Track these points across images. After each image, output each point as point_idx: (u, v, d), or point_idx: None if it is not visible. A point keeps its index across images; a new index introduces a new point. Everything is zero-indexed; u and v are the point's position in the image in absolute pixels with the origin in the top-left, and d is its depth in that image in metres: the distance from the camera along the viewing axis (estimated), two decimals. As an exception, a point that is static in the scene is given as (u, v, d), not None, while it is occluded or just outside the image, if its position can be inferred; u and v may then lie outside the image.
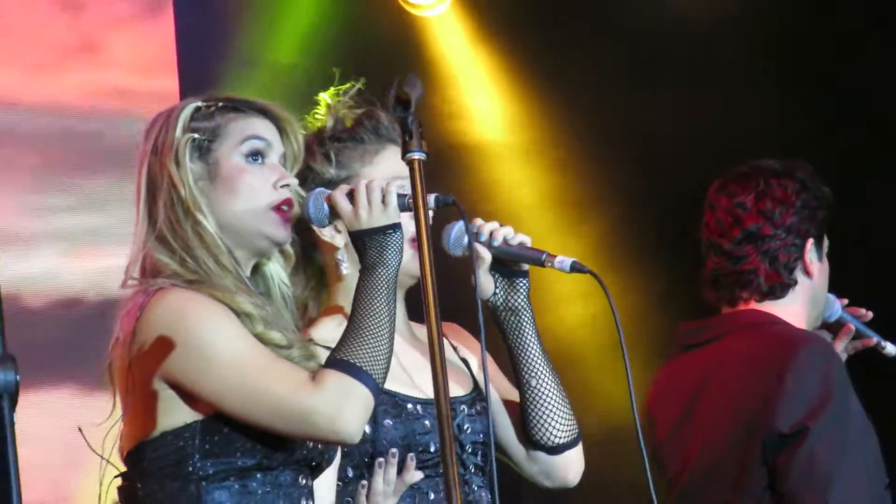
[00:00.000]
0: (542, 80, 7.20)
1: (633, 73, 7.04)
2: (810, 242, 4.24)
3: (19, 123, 6.63)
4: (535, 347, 3.69)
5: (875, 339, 4.40)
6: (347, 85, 3.79)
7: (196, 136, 3.36)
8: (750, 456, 4.12)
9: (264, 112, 3.46)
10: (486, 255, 3.58)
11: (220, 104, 3.43)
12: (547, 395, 3.72)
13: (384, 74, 3.46)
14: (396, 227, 3.28)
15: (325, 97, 3.78)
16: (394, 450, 3.53)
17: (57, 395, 6.09)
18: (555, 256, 3.56)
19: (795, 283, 4.26)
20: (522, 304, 3.65)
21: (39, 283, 6.60)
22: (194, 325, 3.27)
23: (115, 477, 3.40)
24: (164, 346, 3.26)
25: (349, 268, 3.69)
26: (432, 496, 3.64)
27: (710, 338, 4.29)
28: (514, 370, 3.68)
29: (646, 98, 7.00)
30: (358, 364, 3.23)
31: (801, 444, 4.06)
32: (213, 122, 3.40)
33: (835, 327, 4.41)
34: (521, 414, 3.74)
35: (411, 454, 3.54)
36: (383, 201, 3.32)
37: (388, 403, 3.60)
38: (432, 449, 3.67)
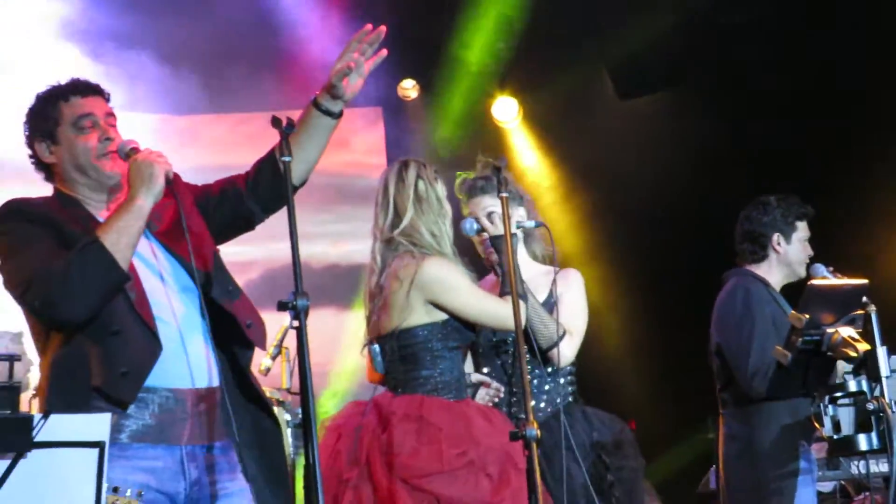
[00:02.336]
0: (567, 158, 7.14)
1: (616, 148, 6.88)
2: (776, 234, 4.12)
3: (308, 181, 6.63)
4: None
5: None
6: (467, 173, 3.69)
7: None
8: (717, 355, 4.08)
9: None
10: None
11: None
12: (530, 321, 3.50)
13: (488, 155, 3.63)
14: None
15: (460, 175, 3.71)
16: (498, 386, 3.45)
17: (325, 311, 6.13)
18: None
19: (767, 255, 4.13)
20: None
21: (318, 258, 6.82)
22: (450, 273, 3.32)
23: (366, 345, 3.38)
24: (434, 283, 3.29)
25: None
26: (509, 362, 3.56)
27: (725, 280, 4.18)
28: None
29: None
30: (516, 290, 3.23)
31: (733, 336, 3.96)
32: (433, 170, 3.46)
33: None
34: None
35: (500, 387, 3.45)
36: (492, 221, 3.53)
37: None
38: (509, 340, 3.58)
